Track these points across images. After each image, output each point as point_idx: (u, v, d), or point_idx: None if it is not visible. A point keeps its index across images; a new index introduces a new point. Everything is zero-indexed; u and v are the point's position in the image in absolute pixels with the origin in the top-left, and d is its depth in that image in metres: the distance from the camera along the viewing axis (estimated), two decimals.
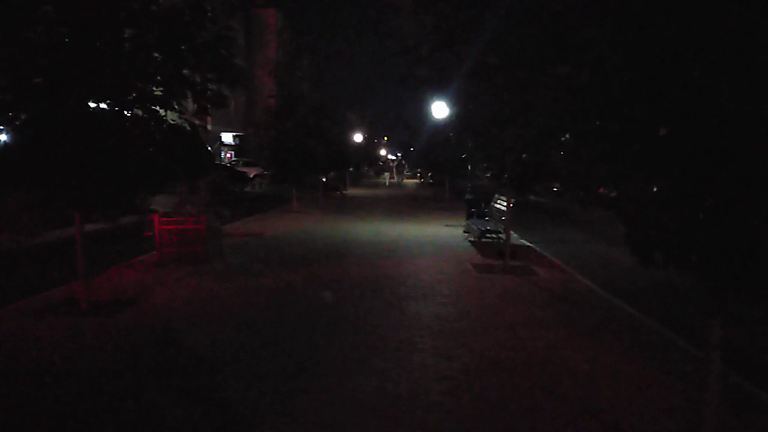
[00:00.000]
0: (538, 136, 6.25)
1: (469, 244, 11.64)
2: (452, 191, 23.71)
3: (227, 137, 46.47)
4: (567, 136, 4.75)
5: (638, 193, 3.11)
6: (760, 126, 2.52)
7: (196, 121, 6.59)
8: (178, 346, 5.17)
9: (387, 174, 51.62)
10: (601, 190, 3.58)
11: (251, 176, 31.86)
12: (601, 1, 3.17)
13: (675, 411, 3.97)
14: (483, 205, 13.03)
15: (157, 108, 6.00)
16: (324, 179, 25.17)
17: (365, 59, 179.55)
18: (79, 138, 5.42)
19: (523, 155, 7.66)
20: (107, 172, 5.56)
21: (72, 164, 5.41)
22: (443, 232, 13.62)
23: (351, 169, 35.89)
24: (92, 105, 5.76)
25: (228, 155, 45.71)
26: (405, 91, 23.85)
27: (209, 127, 31.09)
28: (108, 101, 5.76)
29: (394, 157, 76.91)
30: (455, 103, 12.23)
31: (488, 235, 11.44)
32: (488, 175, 10.87)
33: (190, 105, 6.32)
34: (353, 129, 38.71)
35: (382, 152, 69.57)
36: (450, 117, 15.69)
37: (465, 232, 12.84)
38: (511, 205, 9.01)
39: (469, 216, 13.16)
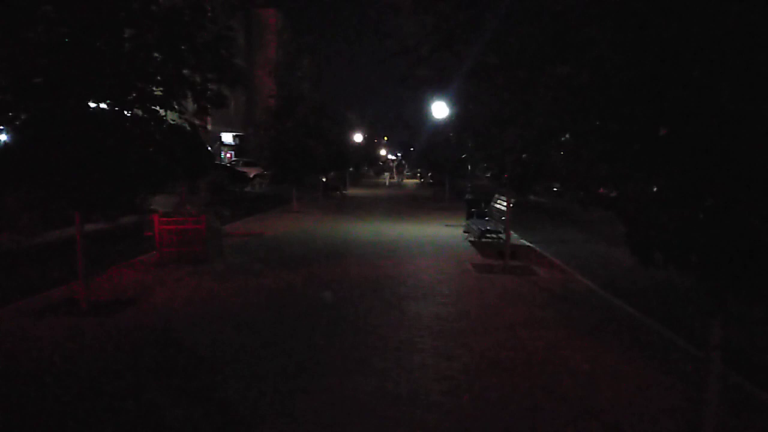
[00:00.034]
0: (538, 136, 6.25)
1: (469, 244, 11.64)
2: (452, 191, 23.71)
3: (227, 137, 46.46)
4: (567, 136, 4.75)
5: (638, 193, 3.11)
6: (760, 126, 2.52)
7: (196, 121, 6.59)
8: (178, 346, 5.17)
9: (387, 174, 51.63)
10: (601, 190, 3.58)
11: (251, 176, 31.86)
12: (601, 1, 3.17)
13: (675, 411, 3.97)
14: (483, 205, 13.03)
15: (157, 108, 6.00)
16: (324, 179, 25.17)
17: (365, 59, 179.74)
18: (79, 138, 5.42)
19: (523, 155, 7.66)
20: (107, 172, 5.56)
21: (72, 164, 5.41)
22: (443, 232, 13.62)
23: (351, 169, 35.89)
24: (92, 105, 5.76)
25: (228, 155, 45.71)
26: (405, 91, 23.87)
27: (209, 127, 31.09)
28: (108, 101, 5.76)
29: (394, 157, 76.92)
30: (455, 103, 12.24)
31: (488, 235, 11.44)
32: (488, 175, 10.87)
33: (190, 105, 6.32)
34: (353, 129, 38.71)
35: (382, 152, 69.57)
36: (450, 117, 15.69)
37: (465, 232, 12.84)
38: (511, 205, 9.01)
39: (469, 216, 13.16)
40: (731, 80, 2.58)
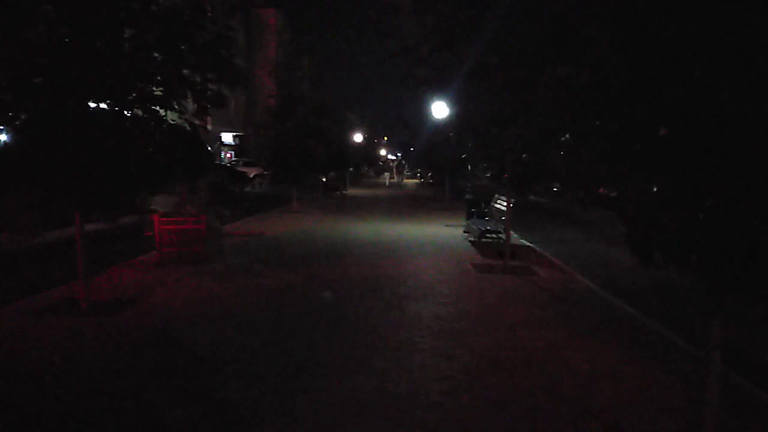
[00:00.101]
0: (538, 136, 6.25)
1: (469, 244, 11.64)
2: (452, 191, 23.71)
3: (227, 137, 46.46)
4: (567, 136, 4.75)
5: (638, 193, 3.11)
6: (760, 126, 2.52)
7: (196, 121, 6.59)
8: (178, 346, 5.17)
9: (387, 174, 51.63)
10: (601, 190, 3.58)
11: (251, 176, 31.86)
12: (601, 1, 3.17)
13: (675, 411, 3.97)
14: (483, 205, 13.03)
15: (157, 108, 6.00)
16: (324, 179, 25.17)
17: (365, 59, 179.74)
18: (79, 138, 5.42)
19: (523, 155, 7.66)
20: (107, 172, 5.56)
21: (72, 164, 5.41)
22: (443, 232, 13.62)
23: (351, 169, 35.89)
24: (92, 105, 5.76)
25: (228, 155, 45.71)
26: (405, 91, 23.86)
27: (209, 127, 31.09)
28: (108, 101, 5.76)
29: (394, 157, 76.92)
30: (455, 103, 12.24)
31: (488, 235, 11.44)
32: (488, 175, 10.87)
33: (190, 105, 6.32)
34: (353, 129, 38.71)
35: (382, 152, 69.57)
36: (450, 117, 15.69)
37: (465, 232, 12.84)
38: (511, 205, 9.01)
39: (469, 216, 13.16)
40: (731, 80, 2.58)
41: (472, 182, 20.90)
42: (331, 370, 4.67)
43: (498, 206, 11.18)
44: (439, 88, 12.21)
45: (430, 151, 24.34)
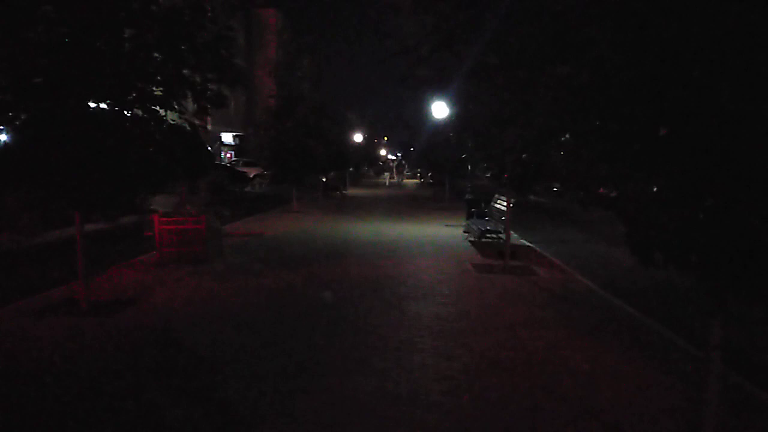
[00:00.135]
0: (538, 136, 6.25)
1: (469, 244, 11.64)
2: (452, 191, 23.71)
3: (227, 137, 46.46)
4: (567, 136, 4.75)
5: (638, 193, 3.11)
6: (760, 126, 2.52)
7: (196, 121, 6.59)
8: (178, 346, 5.17)
9: (387, 174, 51.62)
10: (601, 190, 3.58)
11: (251, 176, 31.86)
12: (601, 1, 3.17)
13: (675, 411, 3.97)
14: (483, 205, 13.03)
15: (157, 108, 6.00)
16: (324, 179, 25.17)
17: (365, 59, 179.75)
18: (79, 138, 5.42)
19: (523, 155, 7.66)
20: (107, 172, 5.56)
21: (72, 164, 5.41)
22: (443, 232, 13.62)
23: (351, 169, 35.89)
24: (92, 105, 5.76)
25: (228, 155, 45.71)
26: (405, 91, 23.87)
27: (209, 127, 31.09)
28: (108, 101, 5.76)
29: (394, 157, 76.91)
30: (455, 103, 12.24)
31: (488, 235, 11.44)
32: (488, 175, 10.87)
33: (190, 105, 6.32)
34: (353, 129, 38.71)
35: (382, 152, 69.57)
36: (450, 117, 15.69)
37: (465, 232, 12.84)
38: (511, 205, 9.01)
39: (469, 216, 13.16)
40: (731, 80, 2.58)
41: (472, 182, 20.90)
42: (331, 370, 4.67)
43: (498, 206, 11.18)
44: (439, 88, 12.22)
45: (430, 151, 24.34)
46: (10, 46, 5.21)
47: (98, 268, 8.16)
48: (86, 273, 6.23)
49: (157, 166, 5.85)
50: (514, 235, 11.30)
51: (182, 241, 9.04)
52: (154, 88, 5.95)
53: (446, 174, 23.52)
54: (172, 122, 6.13)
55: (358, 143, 38.73)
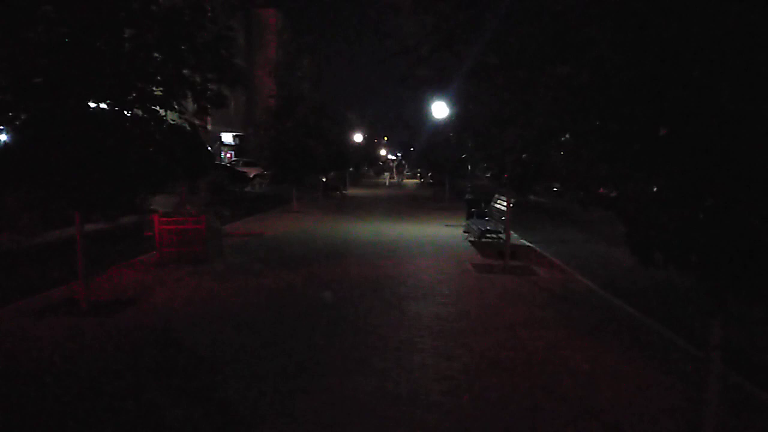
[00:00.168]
0: (538, 136, 6.25)
1: (469, 244, 11.64)
2: (452, 191, 23.71)
3: (227, 137, 46.46)
4: (567, 136, 4.75)
5: (638, 193, 3.11)
6: (760, 126, 2.52)
7: (196, 121, 6.59)
8: (178, 346, 5.17)
9: (387, 174, 51.62)
10: (601, 190, 3.58)
11: (251, 176, 31.86)
12: (601, 1, 3.17)
13: (675, 411, 3.97)
14: (483, 205, 13.03)
15: (157, 108, 6.00)
16: (324, 179, 25.17)
17: (365, 59, 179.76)
18: (79, 138, 5.42)
19: (523, 155, 7.66)
20: (107, 172, 5.56)
21: (72, 164, 5.41)
22: (443, 232, 13.62)
23: (351, 169, 35.89)
24: (92, 105, 5.76)
25: (228, 155, 45.70)
26: (405, 91, 23.87)
27: (209, 127, 31.09)
28: (108, 101, 5.76)
29: (394, 157, 76.91)
30: (455, 103, 12.24)
31: (488, 235, 11.44)
32: (488, 175, 10.87)
33: (190, 105, 6.32)
34: (353, 129, 38.71)
35: (382, 152, 69.57)
36: (450, 117, 15.69)
37: (465, 232, 12.84)
38: (511, 205, 9.01)
39: (469, 216, 13.16)
40: (731, 80, 2.58)
41: (472, 182, 20.90)
42: (331, 370, 4.67)
43: (498, 206, 11.18)
44: (439, 88, 12.22)
45: (430, 151, 24.34)
46: (10, 46, 5.21)
47: (98, 268, 8.16)
48: (86, 273, 6.23)
49: (157, 166, 5.85)
50: (514, 235, 11.30)
51: (182, 241, 9.04)
52: (154, 88, 5.95)
53: (446, 174, 23.52)
54: (172, 122, 6.13)
55: (358, 143, 38.73)
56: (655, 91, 2.83)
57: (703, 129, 2.68)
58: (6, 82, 5.33)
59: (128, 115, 5.92)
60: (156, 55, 5.79)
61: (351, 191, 30.63)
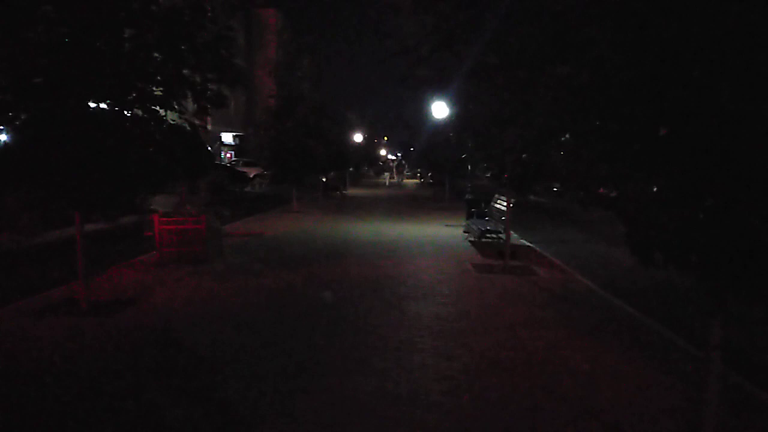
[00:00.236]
0: (538, 136, 6.25)
1: (469, 244, 11.64)
2: (452, 191, 23.71)
3: (227, 137, 46.46)
4: (567, 136, 4.75)
5: (638, 193, 3.11)
6: (760, 126, 2.52)
7: (196, 121, 6.59)
8: (178, 346, 5.17)
9: (387, 174, 51.62)
10: (601, 190, 3.58)
11: (251, 176, 31.86)
12: (601, 1, 3.17)
13: (675, 411, 3.97)
14: (483, 205, 13.03)
15: (157, 108, 6.00)
16: (324, 179, 25.17)
17: (365, 59, 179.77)
18: (79, 138, 5.42)
19: (523, 155, 7.66)
20: (107, 172, 5.56)
21: (72, 164, 5.41)
22: (443, 232, 13.62)
23: (351, 169, 35.89)
24: (92, 105, 5.76)
25: (228, 155, 45.70)
26: (405, 91, 23.87)
27: (209, 127, 31.09)
28: (108, 101, 5.76)
29: (394, 157, 76.91)
30: (455, 103, 12.24)
31: (488, 235, 11.44)
32: (488, 175, 10.87)
33: (190, 105, 6.32)
34: (353, 129, 38.71)
35: (382, 152, 69.57)
36: (450, 117, 15.69)
37: (465, 232, 12.84)
38: (511, 205, 9.01)
39: (469, 216, 13.16)
40: (731, 80, 2.58)
41: (472, 182, 20.90)
42: (331, 370, 4.67)
43: (498, 206, 11.18)
44: (439, 88, 12.22)
45: (430, 151, 24.34)
46: (10, 46, 5.21)
47: (98, 268, 8.16)
48: (86, 273, 6.23)
49: (157, 166, 5.85)
50: (514, 235, 11.30)
51: (182, 241, 9.04)
52: (154, 88, 5.95)
53: (446, 174, 23.52)
54: (172, 122, 6.13)
55: (358, 143, 38.73)
56: (655, 91, 2.83)
57: (703, 129, 2.68)
58: (6, 82, 5.33)
59: (128, 115, 5.92)
60: (156, 55, 5.79)
61: (351, 191, 30.64)
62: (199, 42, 5.92)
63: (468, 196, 14.61)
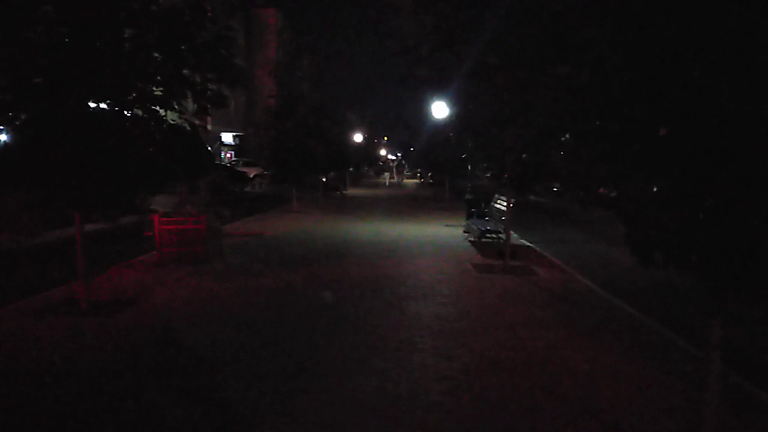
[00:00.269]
0: (538, 136, 6.25)
1: (469, 244, 11.64)
2: (452, 191, 23.71)
3: (227, 137, 46.46)
4: (567, 136, 4.75)
5: (638, 193, 3.11)
6: (760, 126, 2.52)
7: (196, 121, 6.59)
8: (178, 346, 5.17)
9: (387, 174, 51.62)
10: (601, 190, 3.58)
11: (251, 176, 31.86)
12: (601, 1, 3.17)
13: (675, 411, 3.97)
14: (483, 205, 13.04)
15: (157, 108, 6.00)
16: (324, 179, 25.17)
17: (365, 59, 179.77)
18: (79, 138, 5.42)
19: (523, 155, 7.66)
20: (107, 172, 5.56)
21: (72, 164, 5.42)
22: (443, 232, 13.62)
23: (351, 169, 35.89)
24: (92, 105, 5.76)
25: (228, 155, 45.70)
26: (405, 91, 23.88)
27: (209, 127, 31.09)
28: (108, 101, 5.76)
29: (394, 157, 76.91)
30: (455, 103, 12.24)
31: (488, 235, 11.44)
32: (488, 175, 10.87)
33: (190, 105, 6.32)
34: (353, 129, 38.71)
35: (382, 152, 69.57)
36: (450, 117, 15.69)
37: (465, 232, 12.84)
38: (511, 205, 9.01)
39: (469, 216, 13.16)
40: (731, 80, 2.58)
41: (472, 182, 20.90)
42: (331, 370, 4.67)
43: (498, 206, 11.18)
44: (439, 88, 12.22)
45: (430, 151, 24.34)
46: (10, 46, 5.21)
47: (98, 268, 8.16)
48: (86, 273, 6.23)
49: (157, 166, 5.85)
50: (514, 235, 11.30)
51: (182, 241, 9.04)
52: (154, 88, 5.95)
53: (446, 174, 23.52)
54: (172, 122, 6.13)
55: (358, 143, 38.73)
56: (655, 91, 2.83)
57: (703, 129, 2.68)
58: (6, 82, 5.33)
59: (128, 115, 5.92)
60: (156, 55, 5.79)
61: (351, 191, 30.64)
62: (199, 42, 5.92)
63: (468, 196, 14.61)
